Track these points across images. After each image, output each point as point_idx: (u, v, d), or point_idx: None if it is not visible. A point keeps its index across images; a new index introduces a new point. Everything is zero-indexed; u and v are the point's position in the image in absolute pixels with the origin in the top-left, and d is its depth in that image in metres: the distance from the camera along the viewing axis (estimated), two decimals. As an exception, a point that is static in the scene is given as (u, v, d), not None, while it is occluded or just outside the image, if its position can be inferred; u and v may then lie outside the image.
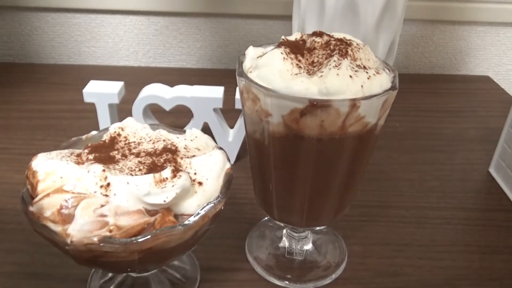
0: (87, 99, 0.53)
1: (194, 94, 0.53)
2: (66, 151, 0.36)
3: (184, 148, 0.37)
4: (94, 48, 0.87)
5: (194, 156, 0.36)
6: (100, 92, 0.53)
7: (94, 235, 0.29)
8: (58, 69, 0.84)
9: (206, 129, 0.56)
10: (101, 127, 0.55)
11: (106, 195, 0.31)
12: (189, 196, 0.33)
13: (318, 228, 0.44)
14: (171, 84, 0.55)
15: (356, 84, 0.31)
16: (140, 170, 0.34)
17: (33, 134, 0.62)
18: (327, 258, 0.44)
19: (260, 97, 0.32)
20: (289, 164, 0.35)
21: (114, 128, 0.38)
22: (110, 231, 0.30)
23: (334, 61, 0.32)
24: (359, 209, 0.51)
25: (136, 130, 0.38)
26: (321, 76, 0.32)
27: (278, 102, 0.32)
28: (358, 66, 0.33)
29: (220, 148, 0.38)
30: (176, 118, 0.59)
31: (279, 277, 0.42)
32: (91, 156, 0.34)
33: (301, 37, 0.38)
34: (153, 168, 0.34)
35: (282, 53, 0.34)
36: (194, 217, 0.31)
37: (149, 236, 0.29)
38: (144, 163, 0.34)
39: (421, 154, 0.62)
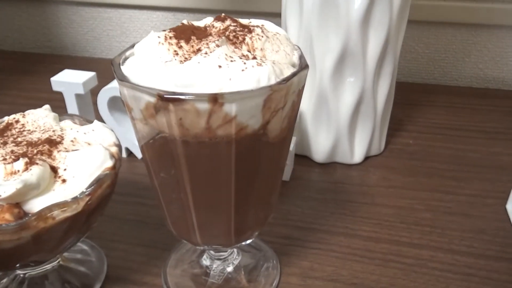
0: (55, 87, 0.52)
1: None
2: (-42, 134, 0.35)
3: (71, 141, 0.33)
4: (124, 43, 0.88)
5: (76, 150, 0.32)
6: (66, 81, 0.51)
7: None
8: (87, 62, 0.86)
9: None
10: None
11: None
12: (42, 193, 0.29)
13: (244, 243, 0.37)
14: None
15: (222, 76, 0.25)
16: (4, 160, 0.31)
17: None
18: (251, 287, 0.38)
19: (119, 87, 0.28)
20: (164, 170, 0.30)
21: (16, 114, 0.36)
22: None
23: (208, 47, 0.27)
24: (318, 234, 0.44)
25: (38, 118, 0.36)
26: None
27: (131, 93, 0.27)
28: (244, 56, 0.27)
29: (117, 146, 0.34)
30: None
31: (184, 301, 0.36)
32: (-36, 140, 0.32)
33: (211, 23, 0.32)
34: (19, 159, 0.30)
35: (159, 37, 0.28)
36: (26, 217, 0.27)
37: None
38: (15, 152, 0.31)
39: (426, 179, 0.51)
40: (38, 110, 0.37)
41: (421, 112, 0.65)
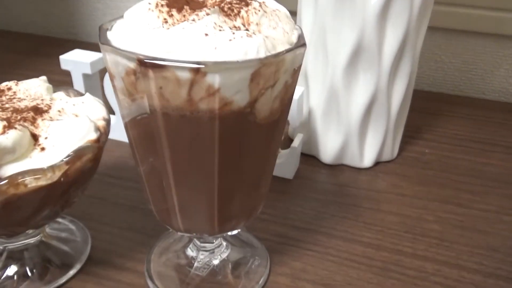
0: (63, 66, 0.52)
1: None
2: None
3: (58, 111, 0.32)
4: (146, 34, 0.87)
5: (61, 120, 0.31)
6: (74, 60, 0.51)
7: None
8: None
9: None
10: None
11: None
12: (18, 159, 0.28)
13: (230, 233, 0.35)
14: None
15: (207, 45, 0.23)
16: (-14, 123, 0.29)
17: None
18: (237, 283, 0.36)
19: (102, 52, 0.26)
20: (145, 148, 0.28)
21: (9, 82, 0.35)
22: None
23: (197, 14, 0.25)
24: (315, 236, 0.41)
25: (30, 87, 0.35)
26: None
27: (112, 58, 0.25)
28: (235, 27, 0.25)
29: (106, 120, 0.33)
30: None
31: (164, 292, 0.34)
32: (-50, 102, 0.31)
33: (211, -5, 0.30)
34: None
35: (150, 3, 0.27)
36: (-5, 181, 0.26)
37: None
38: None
39: (439, 189, 0.48)
40: (33, 79, 0.36)
41: (442, 122, 0.62)
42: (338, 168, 0.51)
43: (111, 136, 0.50)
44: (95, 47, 0.83)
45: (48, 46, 0.84)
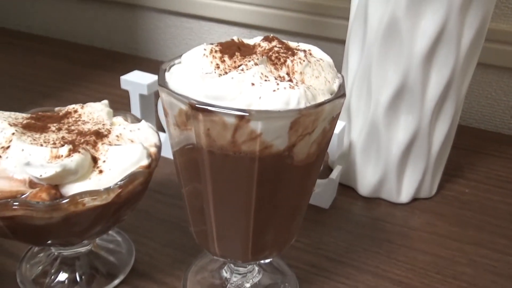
0: (123, 85, 0.56)
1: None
2: (23, 114, 0.38)
3: (117, 136, 0.36)
4: (200, 53, 0.92)
5: (118, 145, 0.34)
6: (133, 81, 0.55)
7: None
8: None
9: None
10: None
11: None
12: (79, 179, 0.31)
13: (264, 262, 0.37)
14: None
15: (253, 94, 0.26)
16: (54, 144, 0.33)
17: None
18: (266, 307, 0.38)
19: (159, 91, 0.29)
20: (191, 178, 0.31)
21: (76, 104, 0.39)
22: (-23, 190, 0.30)
23: (246, 64, 0.27)
24: (346, 269, 0.42)
25: (94, 111, 0.39)
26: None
27: (168, 99, 0.28)
28: (280, 77, 0.28)
29: (157, 147, 0.36)
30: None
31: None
32: (25, 121, 0.36)
33: (259, 42, 0.33)
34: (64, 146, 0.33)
35: (205, 49, 0.30)
36: (57, 200, 0.30)
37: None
38: (65, 139, 0.34)
39: (475, 232, 0.48)
40: (96, 103, 0.40)
41: (486, 161, 0.61)
42: (374, 201, 0.52)
43: (163, 153, 0.54)
44: (153, 64, 0.89)
45: (110, 60, 0.90)
